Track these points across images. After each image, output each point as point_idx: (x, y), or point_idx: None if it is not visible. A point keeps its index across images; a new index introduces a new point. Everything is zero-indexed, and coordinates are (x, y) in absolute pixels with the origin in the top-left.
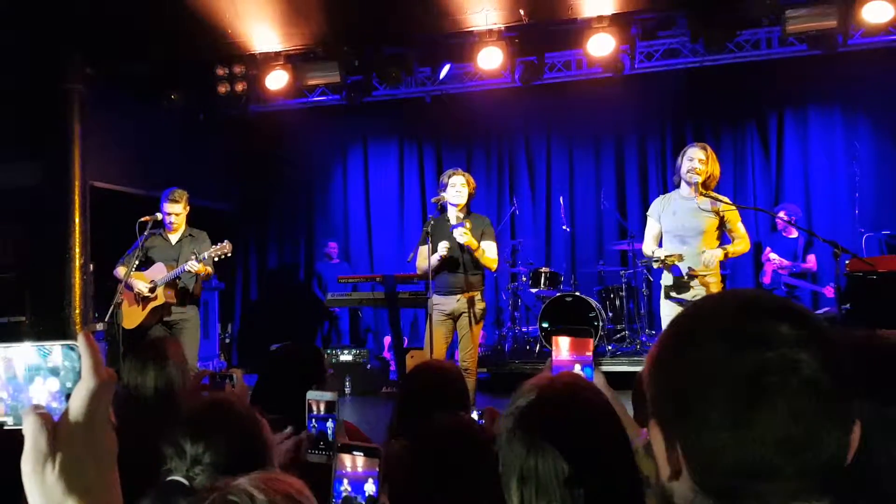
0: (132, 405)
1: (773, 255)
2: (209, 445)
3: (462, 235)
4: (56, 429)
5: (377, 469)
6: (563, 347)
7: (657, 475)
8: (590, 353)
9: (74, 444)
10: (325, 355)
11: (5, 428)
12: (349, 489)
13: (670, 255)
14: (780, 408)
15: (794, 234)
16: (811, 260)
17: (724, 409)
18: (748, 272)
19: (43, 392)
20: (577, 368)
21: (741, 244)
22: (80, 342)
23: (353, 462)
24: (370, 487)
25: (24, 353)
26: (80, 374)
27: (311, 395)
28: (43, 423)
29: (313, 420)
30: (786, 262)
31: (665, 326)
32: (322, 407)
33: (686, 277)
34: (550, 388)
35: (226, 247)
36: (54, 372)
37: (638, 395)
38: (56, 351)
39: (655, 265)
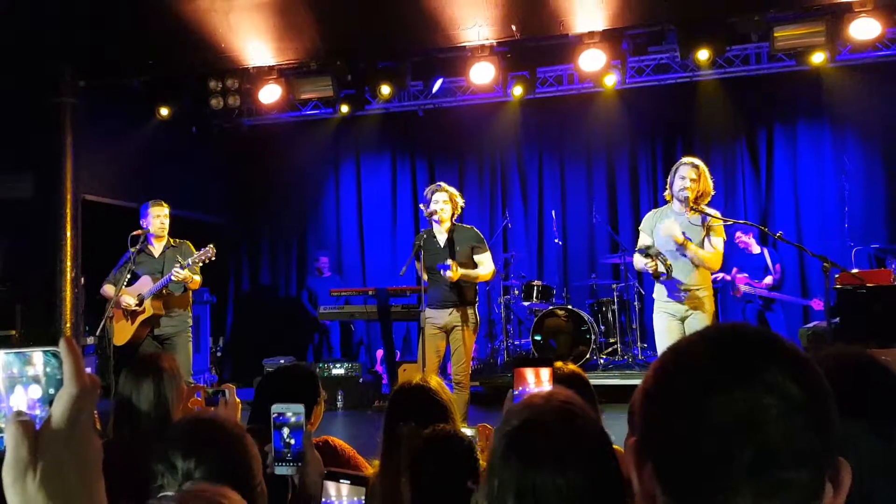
0: (126, 419)
1: (739, 276)
2: (201, 461)
3: (450, 279)
4: (38, 437)
5: (362, 499)
6: (528, 379)
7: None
8: (550, 384)
9: (56, 453)
10: (317, 369)
11: None
12: None
13: (662, 259)
14: (756, 441)
15: (757, 249)
16: (779, 270)
17: (705, 444)
18: None
19: (24, 400)
20: None
21: (709, 256)
22: (62, 348)
23: (339, 491)
24: None
25: (3, 361)
26: (62, 380)
27: (277, 407)
28: (24, 431)
29: (280, 432)
30: (762, 284)
31: (657, 343)
32: (287, 421)
33: (679, 291)
34: (546, 405)
35: (210, 251)
36: (36, 379)
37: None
38: (37, 357)
39: (646, 263)
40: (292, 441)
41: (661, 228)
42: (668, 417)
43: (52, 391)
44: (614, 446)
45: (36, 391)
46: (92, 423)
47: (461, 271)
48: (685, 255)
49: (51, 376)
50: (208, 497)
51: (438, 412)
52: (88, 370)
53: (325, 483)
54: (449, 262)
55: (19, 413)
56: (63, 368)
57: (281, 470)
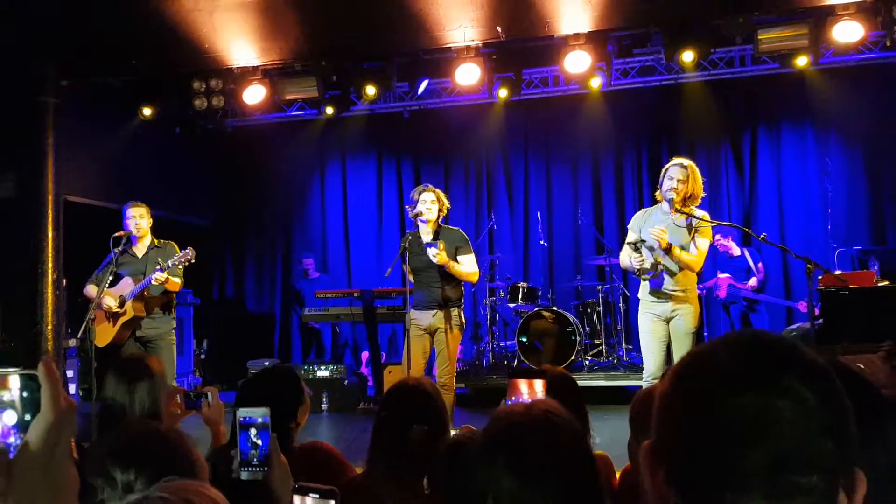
0: (114, 424)
1: (722, 277)
2: (140, 472)
3: (435, 256)
4: (11, 466)
5: None
6: (523, 390)
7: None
8: (543, 395)
9: (31, 483)
10: (302, 371)
11: None
12: None
13: (652, 263)
14: (768, 444)
15: (738, 251)
16: (762, 269)
17: (717, 446)
18: None
19: None
20: None
21: (692, 258)
22: (41, 371)
23: None
24: None
25: None
26: (39, 405)
27: (243, 411)
28: None
29: (246, 433)
30: (746, 285)
31: (641, 343)
32: (254, 422)
33: (663, 292)
34: (528, 413)
35: (189, 253)
36: (11, 404)
37: (636, 418)
38: (13, 381)
39: (637, 272)
40: (259, 442)
41: (648, 229)
42: (682, 418)
43: (27, 417)
44: (597, 451)
45: (11, 417)
46: (69, 451)
47: (447, 258)
48: (667, 256)
49: (27, 401)
50: (190, 498)
51: (434, 415)
52: (76, 373)
53: (295, 497)
54: (437, 243)
55: None
56: (41, 393)
57: (246, 475)
